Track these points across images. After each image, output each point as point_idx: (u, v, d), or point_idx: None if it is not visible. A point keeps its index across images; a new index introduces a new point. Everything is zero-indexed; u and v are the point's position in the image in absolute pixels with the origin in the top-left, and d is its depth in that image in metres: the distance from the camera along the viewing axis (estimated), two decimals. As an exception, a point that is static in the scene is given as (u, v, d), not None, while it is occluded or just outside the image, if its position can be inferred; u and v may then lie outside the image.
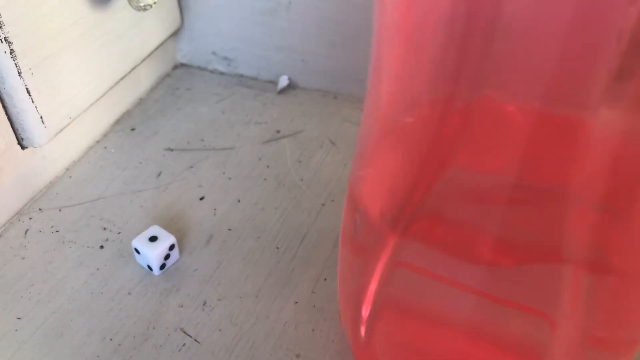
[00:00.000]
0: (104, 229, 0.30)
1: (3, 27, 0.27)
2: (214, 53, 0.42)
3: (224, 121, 0.38)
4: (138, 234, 0.29)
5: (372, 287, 0.19)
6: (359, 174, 0.19)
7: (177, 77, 0.42)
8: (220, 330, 0.26)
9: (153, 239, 0.28)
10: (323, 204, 0.32)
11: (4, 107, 0.29)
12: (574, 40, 0.13)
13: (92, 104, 0.34)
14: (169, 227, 0.30)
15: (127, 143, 0.36)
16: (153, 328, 0.26)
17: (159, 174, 0.34)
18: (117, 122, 0.38)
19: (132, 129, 0.37)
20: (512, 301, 0.17)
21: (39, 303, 0.27)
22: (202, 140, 0.36)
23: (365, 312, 0.20)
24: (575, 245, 0.15)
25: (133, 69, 0.37)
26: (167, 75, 0.42)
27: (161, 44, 0.39)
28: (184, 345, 0.25)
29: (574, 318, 0.17)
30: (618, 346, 0.18)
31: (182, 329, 0.26)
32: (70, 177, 0.34)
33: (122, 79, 0.36)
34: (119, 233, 0.30)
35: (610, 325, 0.17)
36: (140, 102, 0.39)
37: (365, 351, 0.22)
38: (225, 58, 0.42)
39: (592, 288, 0.16)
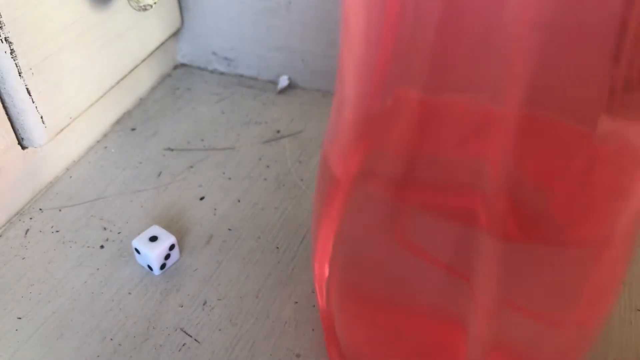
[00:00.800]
0: (104, 228, 0.30)
1: (3, 27, 0.27)
2: (214, 53, 0.42)
3: (224, 121, 0.38)
4: (138, 233, 0.29)
5: (329, 246, 0.19)
6: (332, 141, 0.19)
7: (177, 77, 0.42)
8: (220, 330, 0.26)
9: (153, 238, 0.28)
10: (323, 204, 0.32)
11: (4, 107, 0.29)
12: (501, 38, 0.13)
13: (92, 104, 0.34)
14: (169, 227, 0.30)
15: (127, 143, 0.36)
16: (153, 328, 0.26)
17: (159, 174, 0.34)
18: (118, 122, 0.38)
19: (132, 129, 0.37)
20: (430, 256, 0.17)
21: (39, 303, 0.27)
22: (202, 140, 0.36)
23: (326, 273, 0.20)
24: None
25: (133, 69, 0.37)
26: (167, 75, 0.42)
27: (161, 44, 0.39)
28: (184, 345, 0.25)
29: (492, 283, 0.16)
30: (543, 317, 0.18)
31: (182, 329, 0.26)
32: (71, 177, 0.34)
33: (122, 79, 0.36)
34: (119, 233, 0.30)
35: (531, 296, 0.17)
36: (141, 102, 0.40)
37: (327, 317, 0.22)
38: (226, 58, 0.42)
39: (510, 256, 0.16)
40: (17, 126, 0.30)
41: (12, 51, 0.27)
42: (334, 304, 0.20)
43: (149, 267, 0.28)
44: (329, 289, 0.20)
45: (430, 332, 0.19)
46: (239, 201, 0.32)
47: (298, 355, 0.25)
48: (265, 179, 0.33)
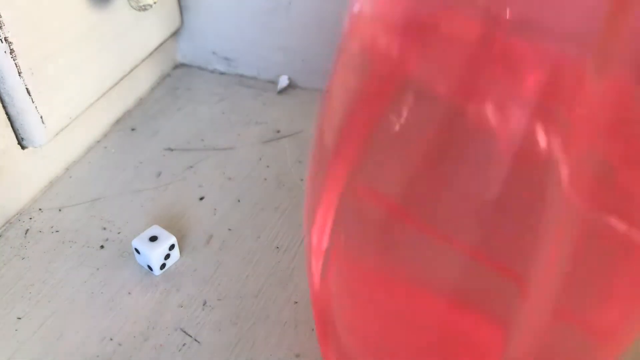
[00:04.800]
0: (104, 228, 0.30)
1: (3, 27, 0.27)
2: (214, 53, 0.42)
3: (224, 121, 0.38)
4: (138, 233, 0.29)
5: (329, 217, 0.17)
6: None
7: (177, 77, 0.42)
8: (220, 330, 0.26)
9: (153, 238, 0.28)
10: (323, 204, 0.32)
11: (4, 107, 0.29)
12: None
13: (92, 104, 0.34)
14: (169, 227, 0.30)
15: (127, 143, 0.36)
16: (153, 328, 0.26)
17: (159, 174, 0.34)
18: (117, 122, 0.38)
19: (132, 129, 0.37)
20: (481, 254, 0.14)
21: (39, 303, 0.27)
22: (202, 140, 0.36)
23: (323, 245, 0.17)
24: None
25: (133, 68, 0.37)
26: (167, 75, 0.42)
27: (161, 44, 0.39)
28: (184, 345, 0.25)
29: (548, 284, 0.14)
30: (597, 328, 0.15)
31: (182, 329, 0.26)
32: (71, 177, 0.34)
33: (122, 78, 0.36)
34: (119, 233, 0.30)
35: (588, 302, 0.14)
36: (141, 102, 0.39)
37: (319, 295, 0.19)
38: (226, 58, 0.42)
39: (576, 252, 0.13)
40: (17, 126, 0.30)
41: (11, 51, 0.27)
42: (333, 282, 0.17)
43: (149, 267, 0.28)
44: (328, 263, 0.17)
45: (453, 322, 0.16)
46: (239, 201, 0.32)
47: (298, 355, 0.25)
48: (265, 179, 0.33)
